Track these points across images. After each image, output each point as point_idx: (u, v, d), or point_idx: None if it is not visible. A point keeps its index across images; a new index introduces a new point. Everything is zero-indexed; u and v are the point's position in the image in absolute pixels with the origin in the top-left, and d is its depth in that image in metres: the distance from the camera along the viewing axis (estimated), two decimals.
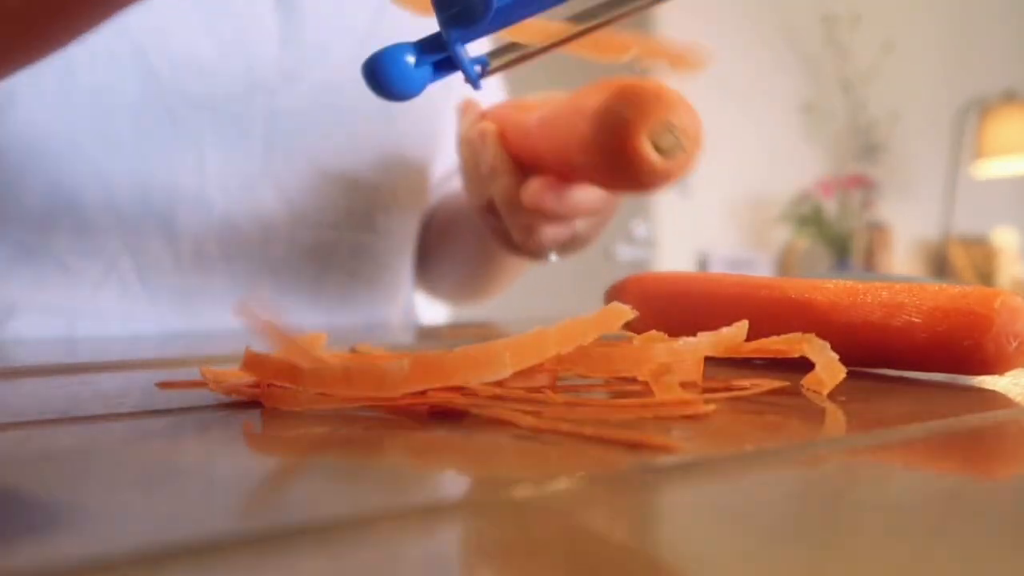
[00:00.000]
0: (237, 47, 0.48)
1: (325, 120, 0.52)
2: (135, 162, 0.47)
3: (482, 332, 0.51)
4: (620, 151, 0.30)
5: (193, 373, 0.24)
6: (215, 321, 0.51)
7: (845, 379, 0.23)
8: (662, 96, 0.30)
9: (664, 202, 2.23)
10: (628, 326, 0.23)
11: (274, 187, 0.51)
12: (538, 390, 0.22)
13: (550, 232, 0.42)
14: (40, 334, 0.46)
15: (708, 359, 0.24)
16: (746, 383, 0.24)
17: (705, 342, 0.23)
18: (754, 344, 0.25)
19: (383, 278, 0.60)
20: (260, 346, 0.22)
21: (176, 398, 0.23)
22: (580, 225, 0.43)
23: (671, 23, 2.21)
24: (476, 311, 0.78)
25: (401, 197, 0.58)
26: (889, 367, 0.28)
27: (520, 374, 0.21)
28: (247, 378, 0.22)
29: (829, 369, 0.23)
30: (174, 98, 0.47)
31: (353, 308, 0.58)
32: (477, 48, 0.25)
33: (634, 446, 0.17)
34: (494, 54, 0.26)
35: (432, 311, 0.89)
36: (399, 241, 0.60)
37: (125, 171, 0.46)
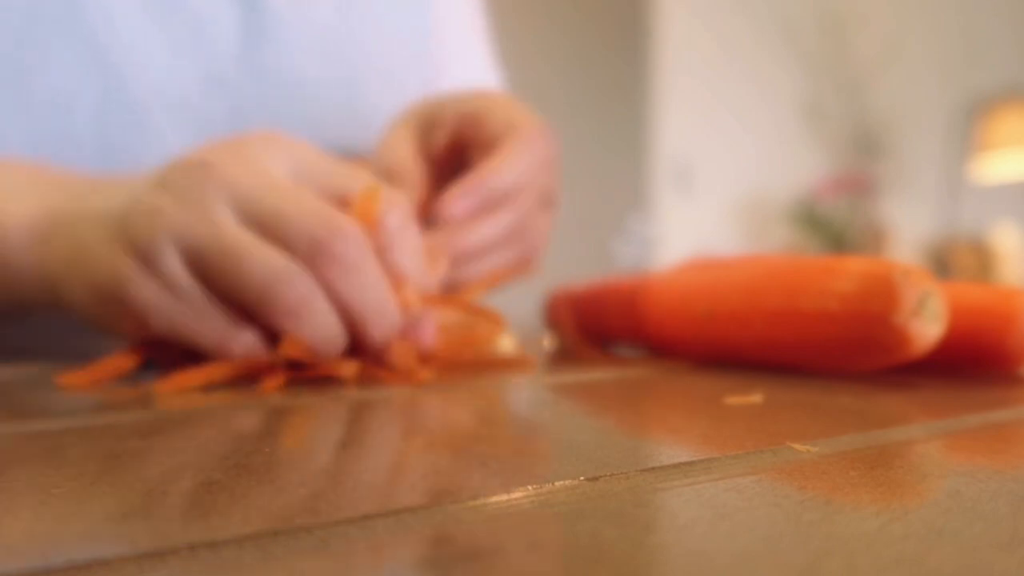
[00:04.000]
0: (196, 43, 0.48)
1: (288, 115, 0.52)
2: (98, 162, 0.46)
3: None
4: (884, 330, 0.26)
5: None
6: None
7: (861, 376, 0.23)
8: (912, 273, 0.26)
9: (664, 202, 2.24)
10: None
11: None
12: None
13: None
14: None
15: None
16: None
17: None
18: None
19: None
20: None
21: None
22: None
23: (671, 23, 2.21)
24: None
25: None
26: (912, 364, 0.28)
27: None
28: None
29: None
30: (135, 97, 0.46)
31: None
32: None
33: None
34: None
35: None
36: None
37: (88, 171, 0.46)
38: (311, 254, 0.28)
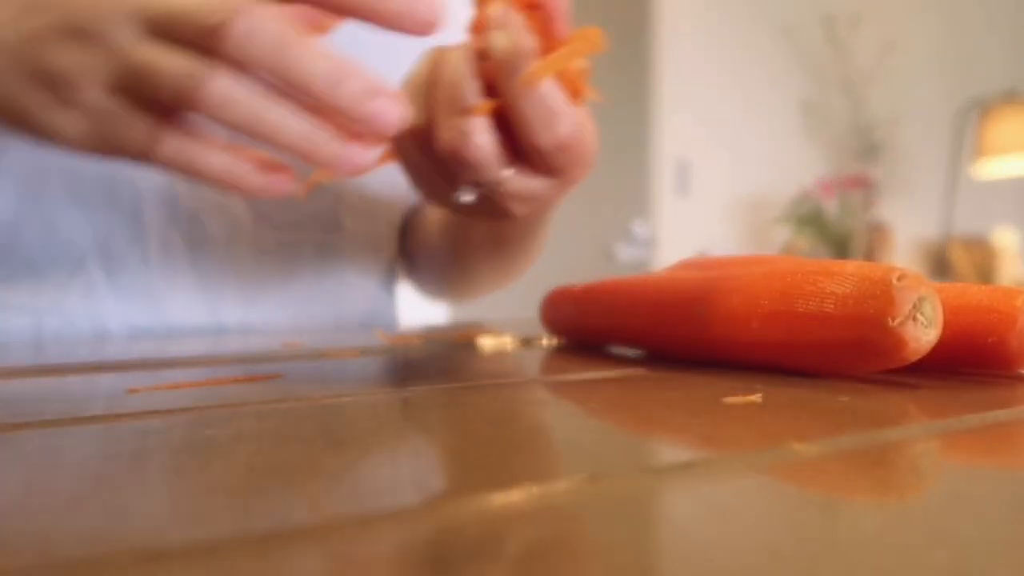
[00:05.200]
0: None
1: None
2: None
3: (460, 332, 0.51)
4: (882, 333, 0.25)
5: (160, 376, 0.24)
6: (181, 319, 0.51)
7: (861, 378, 0.23)
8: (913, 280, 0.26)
9: (664, 202, 2.24)
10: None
11: None
12: None
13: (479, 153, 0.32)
14: (7, 332, 0.46)
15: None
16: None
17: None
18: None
19: (351, 276, 0.59)
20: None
21: (142, 401, 0.23)
22: (506, 180, 0.35)
23: (671, 24, 2.21)
24: (473, 311, 0.78)
25: (368, 196, 0.57)
26: (912, 364, 0.28)
27: None
28: None
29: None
30: None
31: (321, 306, 0.57)
32: None
33: None
34: None
35: (431, 309, 0.89)
36: (368, 239, 0.59)
37: (92, 167, 0.46)
38: (216, 43, 0.26)
